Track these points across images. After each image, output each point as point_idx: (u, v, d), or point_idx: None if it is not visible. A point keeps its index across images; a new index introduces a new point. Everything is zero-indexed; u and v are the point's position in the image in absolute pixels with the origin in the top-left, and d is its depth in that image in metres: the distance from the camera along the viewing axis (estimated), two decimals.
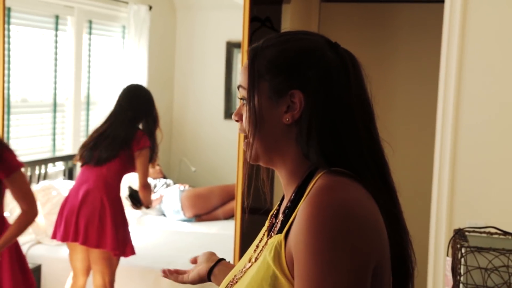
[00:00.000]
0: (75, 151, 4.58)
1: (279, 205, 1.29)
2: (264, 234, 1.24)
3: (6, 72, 3.77)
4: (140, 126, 3.56)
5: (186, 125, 5.62)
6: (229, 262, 1.48)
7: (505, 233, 1.85)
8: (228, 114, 5.51)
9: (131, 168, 3.49)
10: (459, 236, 1.81)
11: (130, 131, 3.42)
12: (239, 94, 1.19)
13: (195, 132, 5.59)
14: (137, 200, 3.66)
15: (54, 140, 4.62)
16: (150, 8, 5.15)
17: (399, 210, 1.17)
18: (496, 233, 1.87)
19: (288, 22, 3.08)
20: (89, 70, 4.85)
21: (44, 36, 4.53)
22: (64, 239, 3.41)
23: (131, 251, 3.49)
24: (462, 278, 1.73)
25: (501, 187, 2.58)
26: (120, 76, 4.99)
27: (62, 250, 4.00)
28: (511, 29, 2.51)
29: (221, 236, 4.52)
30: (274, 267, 1.07)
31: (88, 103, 4.86)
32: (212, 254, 1.46)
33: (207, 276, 1.43)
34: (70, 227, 3.38)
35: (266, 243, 1.17)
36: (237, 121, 1.20)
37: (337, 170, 1.10)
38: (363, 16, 3.28)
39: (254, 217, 3.49)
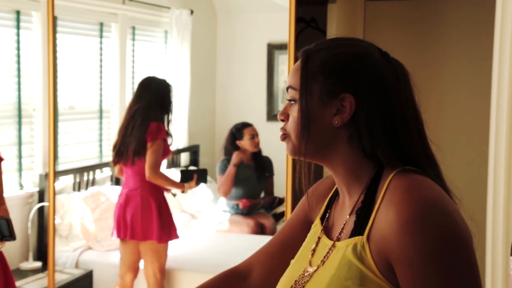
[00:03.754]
0: None
1: (328, 206, 1.28)
2: (320, 238, 1.23)
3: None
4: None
5: (229, 128, 5.63)
6: None
7: None
8: (270, 116, 5.50)
9: (163, 156, 3.62)
10: None
11: (144, 126, 3.53)
12: (288, 95, 1.20)
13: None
14: (184, 179, 3.82)
15: (101, 146, 4.67)
16: (192, 12, 5.17)
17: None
18: None
19: (334, 22, 3.05)
20: (133, 76, 4.89)
21: (89, 43, 4.58)
22: (117, 236, 3.65)
23: (175, 235, 3.69)
24: None
25: None
26: None
27: (112, 255, 4.05)
28: None
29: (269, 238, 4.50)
30: (361, 267, 1.08)
31: None
32: None
33: None
34: (120, 225, 3.62)
35: (334, 245, 1.16)
36: (282, 120, 1.21)
37: (408, 168, 1.13)
38: (410, 14, 3.23)
39: None
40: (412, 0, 3.26)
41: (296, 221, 1.36)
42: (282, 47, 5.41)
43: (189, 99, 5.23)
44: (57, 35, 4.14)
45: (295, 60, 2.88)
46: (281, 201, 4.88)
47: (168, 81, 3.72)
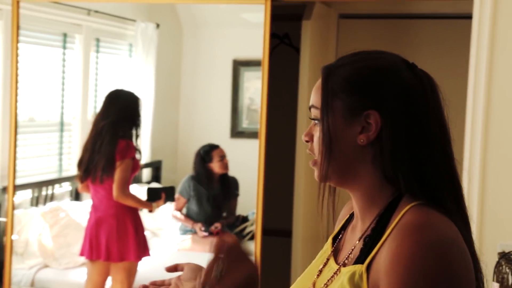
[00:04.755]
0: None
1: (343, 228, 1.23)
2: (329, 259, 1.18)
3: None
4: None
5: (192, 143, 5.53)
6: None
7: None
8: (234, 133, 5.44)
9: (132, 173, 3.54)
10: (505, 260, 1.74)
11: (113, 144, 3.43)
12: (311, 114, 1.15)
13: None
14: (152, 198, 3.72)
15: (60, 160, 4.53)
16: (158, 26, 5.10)
17: (472, 240, 1.12)
18: None
19: (308, 38, 3.02)
20: (96, 88, 4.78)
21: (52, 54, 4.46)
22: (88, 257, 3.53)
23: (148, 252, 3.65)
24: None
25: None
26: None
27: (71, 274, 3.91)
28: None
29: None
30: None
31: None
32: (200, 268, 1.32)
33: None
34: (92, 246, 3.49)
35: (339, 270, 1.11)
36: (307, 141, 1.16)
37: (426, 203, 1.06)
38: (383, 32, 3.23)
39: (272, 239, 3.41)
40: (385, 19, 3.26)
41: None
42: (248, 63, 5.37)
43: (152, 114, 5.13)
44: (19, 45, 4.01)
45: (270, 76, 2.84)
46: (244, 219, 4.81)
47: (136, 93, 3.63)
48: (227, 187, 4.77)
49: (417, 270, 0.96)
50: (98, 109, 4.56)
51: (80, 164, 3.52)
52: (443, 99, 1.13)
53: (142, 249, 3.57)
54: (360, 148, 1.08)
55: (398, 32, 3.20)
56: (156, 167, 5.29)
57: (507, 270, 1.67)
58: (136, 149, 3.51)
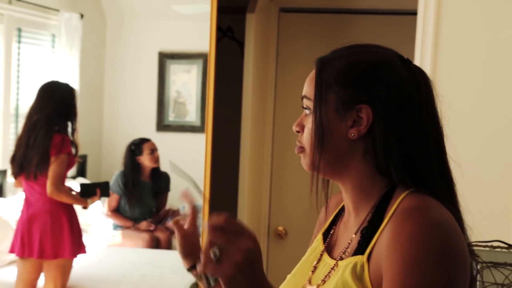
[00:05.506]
0: (4, 166, 4.33)
1: (333, 222, 1.24)
2: (322, 255, 1.18)
3: None
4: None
5: (117, 137, 5.42)
6: None
7: (510, 246, 1.85)
8: (160, 126, 5.37)
9: (67, 169, 3.45)
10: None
11: (47, 139, 3.32)
12: (303, 104, 1.14)
13: (126, 144, 5.39)
14: (86, 194, 3.57)
15: None
16: (82, 16, 4.94)
17: (466, 231, 1.15)
18: (498, 247, 1.87)
19: (252, 32, 3.01)
20: (18, 80, 4.59)
21: None
22: (19, 254, 3.39)
23: (84, 249, 3.53)
24: None
25: (482, 200, 2.61)
26: None
27: (0, 273, 3.75)
28: (485, 42, 2.55)
29: (164, 252, 4.39)
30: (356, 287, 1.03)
31: (17, 115, 4.60)
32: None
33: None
34: (24, 243, 3.37)
35: (336, 265, 1.11)
36: (298, 132, 1.15)
37: (420, 190, 1.07)
38: (324, 27, 3.26)
39: None
40: (326, 13, 3.29)
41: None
42: (174, 56, 5.31)
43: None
44: None
45: (216, 70, 2.80)
46: (175, 213, 4.76)
47: (71, 85, 3.51)
48: (158, 182, 4.70)
49: (421, 246, 0.97)
50: (22, 100, 4.41)
51: (14, 159, 3.38)
52: (436, 95, 1.13)
53: (77, 246, 3.46)
54: (351, 142, 1.09)
55: (340, 27, 3.24)
56: (81, 161, 5.14)
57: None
58: (72, 144, 3.39)
